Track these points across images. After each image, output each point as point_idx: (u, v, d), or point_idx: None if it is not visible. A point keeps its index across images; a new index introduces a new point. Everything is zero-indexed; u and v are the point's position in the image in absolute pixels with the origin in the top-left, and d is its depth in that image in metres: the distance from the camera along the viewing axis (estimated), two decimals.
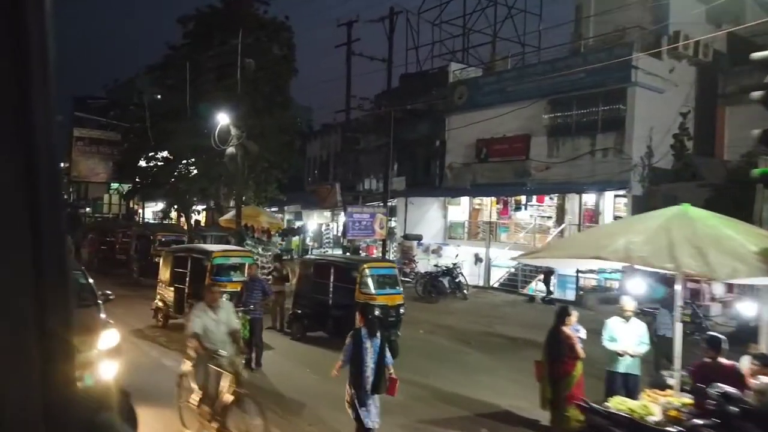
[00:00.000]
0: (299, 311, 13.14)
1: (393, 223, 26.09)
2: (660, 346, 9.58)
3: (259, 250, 16.69)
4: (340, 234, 27.02)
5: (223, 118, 16.40)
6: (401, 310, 12.23)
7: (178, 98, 23.08)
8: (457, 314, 17.26)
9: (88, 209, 47.93)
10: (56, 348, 0.76)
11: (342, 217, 27.68)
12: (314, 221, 29.48)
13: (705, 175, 19.39)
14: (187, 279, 12.89)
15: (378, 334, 6.58)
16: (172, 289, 13.13)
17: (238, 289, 12.67)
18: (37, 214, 0.75)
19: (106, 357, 7.24)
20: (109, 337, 7.47)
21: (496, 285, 22.60)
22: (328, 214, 28.71)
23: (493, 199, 25.36)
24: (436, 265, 21.00)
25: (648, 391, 6.72)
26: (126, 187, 43.99)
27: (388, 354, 6.63)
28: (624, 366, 7.81)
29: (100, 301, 8.24)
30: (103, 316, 8.00)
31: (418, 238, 25.34)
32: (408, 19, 30.58)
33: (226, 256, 12.99)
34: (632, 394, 7.24)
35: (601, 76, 21.15)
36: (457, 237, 26.98)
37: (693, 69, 22.78)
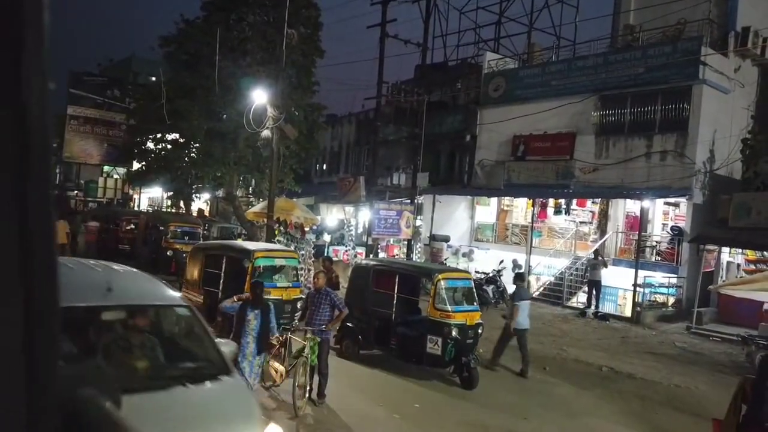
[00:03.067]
0: (351, 325, 11.15)
1: (419, 222, 24.11)
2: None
3: (292, 248, 14.60)
4: (361, 231, 24.95)
5: (259, 97, 14.26)
6: (479, 330, 10.30)
7: (192, 75, 20.94)
8: None
9: (77, 192, 45.08)
10: (41, 316, 0.71)
11: (362, 213, 25.64)
12: (333, 216, 27.37)
13: None
14: (221, 281, 10.88)
15: (262, 311, 7.52)
16: (203, 292, 11.09)
17: (282, 297, 10.83)
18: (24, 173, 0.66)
19: None
20: None
21: (535, 295, 20.70)
22: (349, 209, 26.61)
23: (528, 200, 23.41)
24: (476, 271, 19.08)
25: None
26: (121, 170, 41.59)
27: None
28: None
29: None
30: None
31: (446, 239, 23.43)
32: (437, 4, 28.52)
33: (270, 257, 10.94)
34: None
35: (663, 72, 19.35)
36: (484, 240, 25.11)
37: (755, 69, 21.05)
